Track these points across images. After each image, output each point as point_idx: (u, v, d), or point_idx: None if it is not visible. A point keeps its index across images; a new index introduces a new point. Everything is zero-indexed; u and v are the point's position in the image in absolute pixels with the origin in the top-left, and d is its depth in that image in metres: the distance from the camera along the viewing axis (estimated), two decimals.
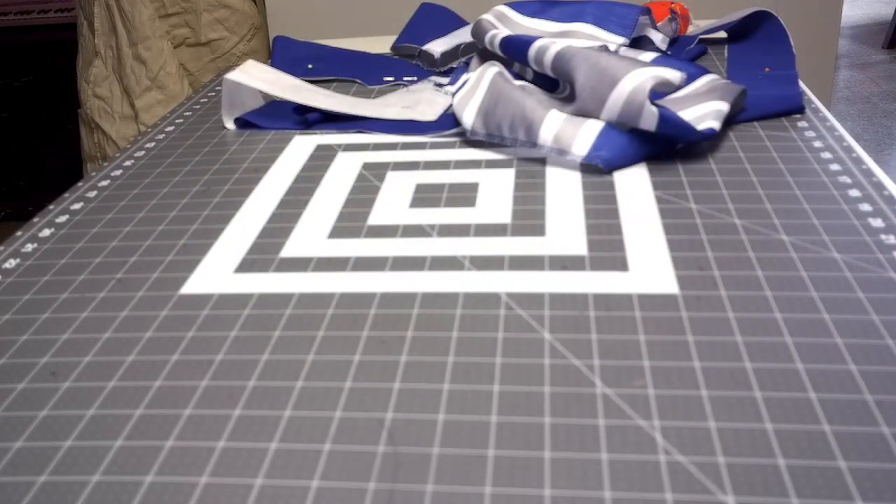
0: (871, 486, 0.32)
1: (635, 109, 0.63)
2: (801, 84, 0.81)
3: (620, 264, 0.50)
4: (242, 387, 0.41)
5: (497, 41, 0.80)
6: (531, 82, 0.78)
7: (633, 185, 0.61)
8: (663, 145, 0.66)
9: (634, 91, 0.63)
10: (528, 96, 0.69)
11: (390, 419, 0.38)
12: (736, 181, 0.60)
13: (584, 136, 0.65)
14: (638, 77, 0.64)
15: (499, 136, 0.69)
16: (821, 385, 0.38)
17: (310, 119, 0.79)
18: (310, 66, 0.97)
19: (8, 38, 2.06)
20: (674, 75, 0.65)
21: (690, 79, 0.79)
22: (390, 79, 0.94)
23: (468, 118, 0.71)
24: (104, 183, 0.69)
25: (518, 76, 0.79)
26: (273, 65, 0.95)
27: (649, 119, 0.63)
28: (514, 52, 0.78)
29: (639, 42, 0.93)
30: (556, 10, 0.94)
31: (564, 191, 0.61)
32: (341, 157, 0.72)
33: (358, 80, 0.94)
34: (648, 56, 0.85)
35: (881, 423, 0.36)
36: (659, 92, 0.67)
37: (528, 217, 0.58)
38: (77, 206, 0.65)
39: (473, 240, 0.55)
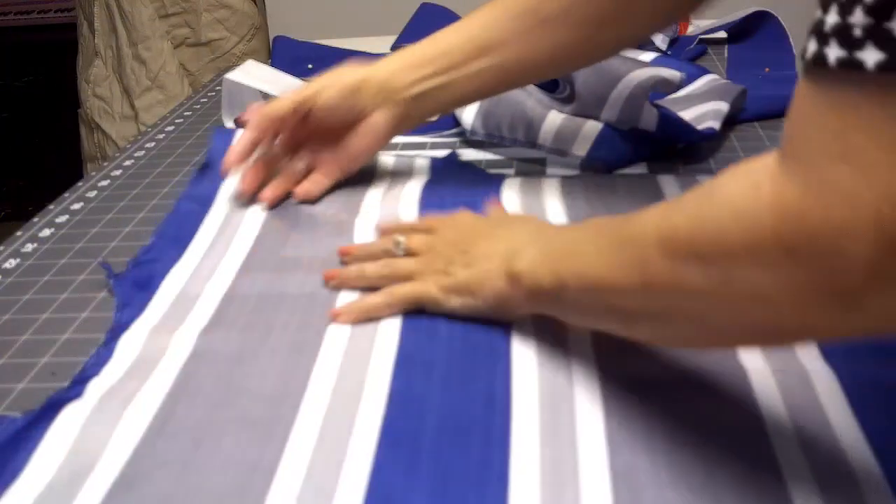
0: None
1: (635, 109, 0.63)
2: None
3: None
4: None
5: None
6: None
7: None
8: (663, 145, 0.66)
9: (634, 91, 0.63)
10: (528, 96, 0.69)
11: None
12: None
13: (584, 136, 0.65)
14: (638, 77, 0.64)
15: (498, 136, 0.69)
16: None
17: None
18: (310, 66, 0.97)
19: (8, 38, 2.06)
20: (673, 75, 0.65)
21: (690, 79, 0.79)
22: None
23: (468, 118, 0.71)
24: (104, 183, 0.69)
25: None
26: (273, 65, 0.95)
27: (649, 119, 0.63)
28: None
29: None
30: None
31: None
32: None
33: None
34: (648, 56, 0.85)
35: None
36: (659, 92, 0.67)
37: None
38: (77, 206, 0.65)
39: None
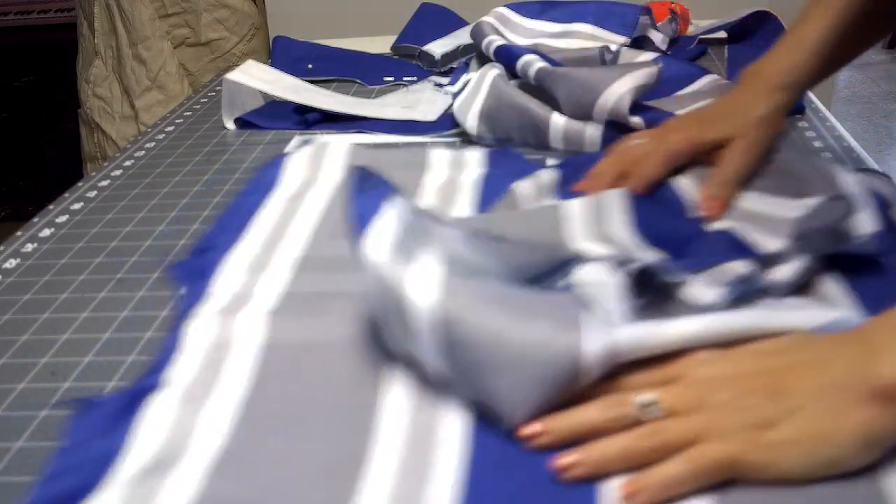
0: None
1: (621, 122, 0.64)
2: None
3: None
4: None
5: (492, 49, 0.80)
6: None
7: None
8: None
9: (615, 108, 0.64)
10: (529, 99, 0.69)
11: None
12: None
13: (589, 138, 0.65)
14: (616, 91, 0.64)
15: (508, 140, 0.69)
16: None
17: (310, 119, 0.79)
18: (310, 66, 0.97)
19: (8, 38, 2.06)
20: (650, 74, 0.65)
21: (690, 78, 0.79)
22: (390, 79, 0.94)
23: (472, 122, 0.71)
24: (104, 183, 0.69)
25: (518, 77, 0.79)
26: (273, 65, 0.95)
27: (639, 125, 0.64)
28: (505, 64, 0.78)
29: (639, 42, 0.93)
30: (557, 11, 0.94)
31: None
32: None
33: (358, 80, 0.94)
34: (649, 57, 0.85)
35: None
36: (644, 94, 0.67)
37: None
38: (77, 206, 0.65)
39: None
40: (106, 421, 0.38)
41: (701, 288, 0.42)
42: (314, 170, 0.66)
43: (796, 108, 0.73)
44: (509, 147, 0.69)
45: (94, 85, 1.38)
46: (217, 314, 0.46)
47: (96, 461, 0.36)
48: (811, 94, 0.80)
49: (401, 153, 0.68)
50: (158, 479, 0.35)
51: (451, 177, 0.63)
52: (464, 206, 0.59)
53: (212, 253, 0.53)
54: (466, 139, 0.72)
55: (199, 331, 0.45)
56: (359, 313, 0.45)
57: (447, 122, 0.76)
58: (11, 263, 0.56)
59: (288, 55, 1.01)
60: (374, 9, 1.36)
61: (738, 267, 0.43)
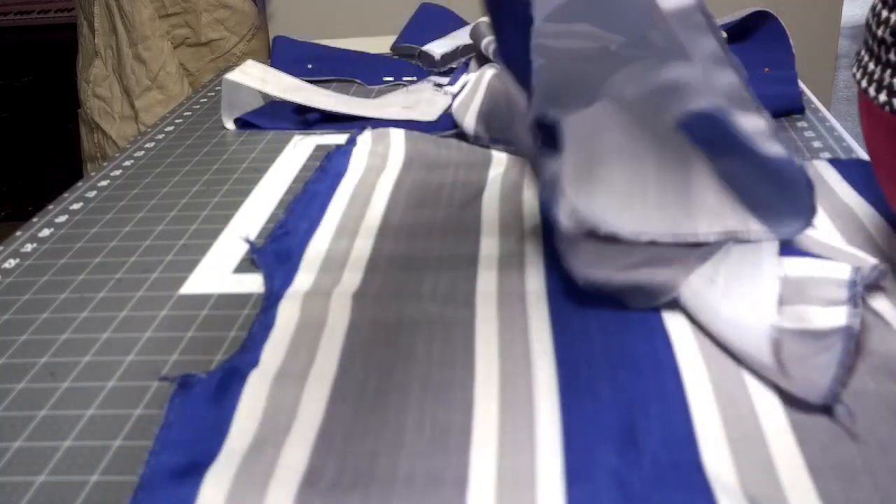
0: None
1: None
2: (801, 84, 0.81)
3: None
4: None
5: (491, 49, 0.80)
6: None
7: None
8: None
9: None
10: (524, 99, 0.69)
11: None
12: None
13: None
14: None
15: (504, 140, 0.69)
16: None
17: (310, 119, 0.79)
18: (310, 66, 0.97)
19: (8, 38, 2.06)
20: None
21: None
22: (390, 79, 0.94)
23: (469, 123, 0.71)
24: (104, 183, 0.69)
25: None
26: (273, 65, 0.95)
27: None
28: None
29: None
30: None
31: None
32: None
33: (358, 80, 0.94)
34: None
35: None
36: None
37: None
38: (77, 206, 0.65)
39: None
40: (209, 397, 0.39)
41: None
42: (380, 158, 0.67)
43: (796, 109, 0.73)
44: (503, 147, 0.69)
45: (94, 85, 1.38)
46: (305, 296, 0.47)
47: (205, 435, 0.37)
48: (811, 94, 0.81)
49: (462, 147, 0.69)
50: (273, 452, 0.35)
51: (518, 170, 0.64)
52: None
53: (292, 237, 0.55)
54: (466, 139, 0.72)
55: (288, 310, 0.46)
56: (441, 285, 0.48)
57: (447, 122, 0.76)
58: (11, 263, 0.56)
59: (288, 55, 1.01)
60: (374, 9, 1.36)
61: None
